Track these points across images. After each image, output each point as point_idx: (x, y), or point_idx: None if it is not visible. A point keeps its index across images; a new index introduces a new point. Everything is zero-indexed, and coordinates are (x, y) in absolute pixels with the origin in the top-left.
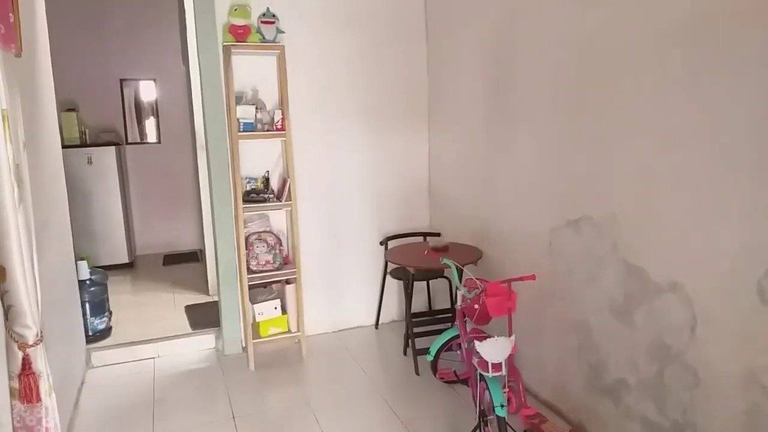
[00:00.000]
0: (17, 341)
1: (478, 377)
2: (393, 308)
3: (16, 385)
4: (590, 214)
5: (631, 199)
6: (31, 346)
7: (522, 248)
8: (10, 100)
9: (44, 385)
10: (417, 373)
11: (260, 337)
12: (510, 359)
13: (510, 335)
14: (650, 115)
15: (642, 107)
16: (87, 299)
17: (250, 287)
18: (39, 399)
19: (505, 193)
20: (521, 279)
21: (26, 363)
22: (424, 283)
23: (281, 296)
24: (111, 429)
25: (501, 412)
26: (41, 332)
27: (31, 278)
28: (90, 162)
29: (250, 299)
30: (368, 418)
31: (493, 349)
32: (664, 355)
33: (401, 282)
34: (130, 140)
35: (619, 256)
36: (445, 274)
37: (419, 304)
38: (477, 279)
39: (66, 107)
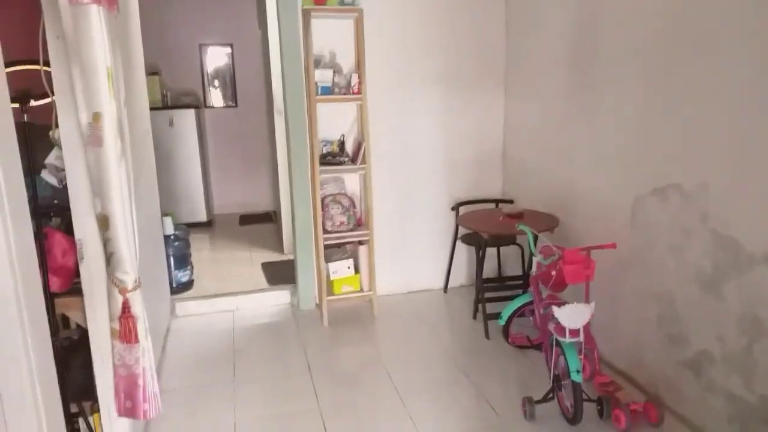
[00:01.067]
0: (118, 286)
1: (554, 343)
2: (462, 273)
3: (116, 326)
4: (679, 182)
5: (725, 166)
6: (130, 291)
7: (601, 217)
8: (113, 59)
9: (141, 328)
10: (487, 337)
11: (334, 295)
12: (587, 327)
13: (588, 303)
14: (748, 80)
15: (740, 72)
16: (171, 253)
17: (325, 247)
18: (137, 340)
19: (584, 160)
20: (601, 247)
21: (126, 306)
22: (494, 249)
23: (354, 256)
24: (195, 373)
25: (576, 378)
26: (139, 279)
27: (131, 228)
28: (171, 124)
29: (325, 258)
30: (438, 377)
31: (572, 315)
32: (756, 329)
33: (471, 248)
34: (207, 104)
35: (708, 226)
36: (517, 241)
37: (489, 270)
38: (554, 246)
39: (149, 71)
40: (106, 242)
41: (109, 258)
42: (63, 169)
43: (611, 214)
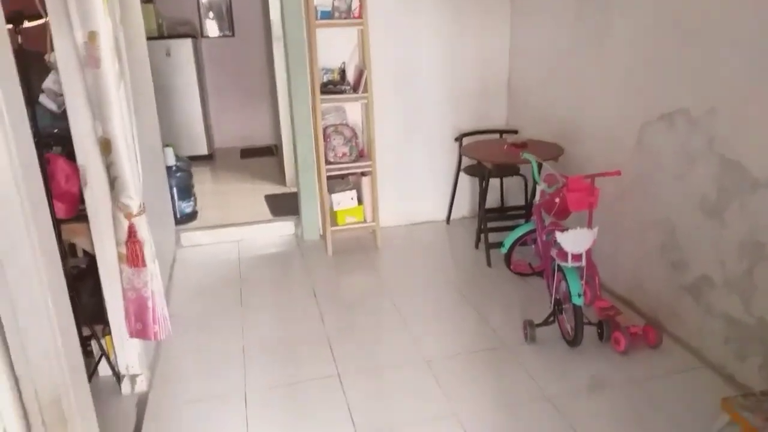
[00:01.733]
0: (123, 211)
1: (555, 268)
2: (464, 205)
3: (123, 251)
4: (687, 108)
5: (735, 91)
6: (136, 215)
7: (606, 145)
8: None
9: (148, 252)
10: (489, 265)
11: (337, 226)
12: (588, 252)
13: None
14: (763, 2)
15: None
16: (174, 184)
17: (328, 178)
18: (144, 264)
19: (592, 87)
20: (605, 174)
21: (132, 231)
22: (497, 181)
23: (357, 188)
24: (203, 300)
25: (578, 301)
26: (143, 204)
27: (133, 151)
28: (168, 54)
29: (328, 189)
30: (441, 303)
31: (574, 240)
32: (757, 253)
33: (474, 179)
34: (204, 33)
35: (715, 151)
36: (520, 172)
37: (492, 201)
38: (558, 174)
39: None
40: (109, 166)
41: (113, 182)
42: (61, 94)
43: (617, 142)
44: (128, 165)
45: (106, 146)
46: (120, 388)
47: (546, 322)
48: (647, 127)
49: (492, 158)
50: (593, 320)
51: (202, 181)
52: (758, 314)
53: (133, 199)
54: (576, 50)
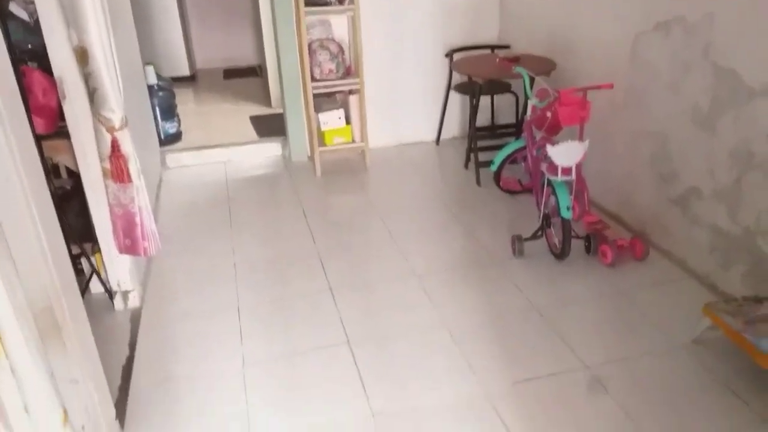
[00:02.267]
0: (104, 125)
1: (545, 183)
2: (454, 125)
3: (107, 166)
4: (684, 14)
5: None
6: (118, 129)
7: (600, 57)
8: None
9: (133, 167)
10: (479, 184)
11: (325, 146)
12: (578, 167)
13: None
14: None
15: None
16: (157, 103)
17: (315, 96)
18: (130, 179)
19: None
20: (598, 87)
21: (115, 145)
22: (488, 99)
23: (345, 107)
24: (191, 220)
25: (566, 214)
26: (126, 117)
27: (111, 62)
28: None
29: (314, 109)
30: (430, 221)
31: (565, 153)
32: (746, 163)
33: (464, 99)
34: None
35: (710, 59)
36: (512, 89)
37: (482, 120)
38: (550, 88)
39: None
40: (87, 77)
41: (93, 94)
42: (32, 1)
43: (610, 55)
44: (107, 76)
45: (82, 56)
46: (113, 304)
47: (534, 237)
48: (642, 37)
49: (483, 74)
50: (581, 235)
51: (185, 102)
52: (744, 223)
53: (114, 111)
54: None
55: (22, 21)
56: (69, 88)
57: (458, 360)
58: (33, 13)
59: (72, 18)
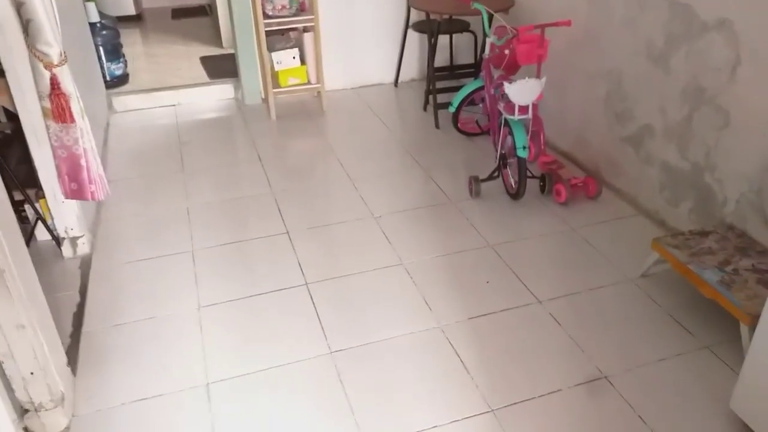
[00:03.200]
0: (42, 60)
1: (502, 122)
2: (413, 67)
3: (47, 105)
4: None
5: None
6: (57, 65)
7: None
8: None
9: (75, 106)
10: (437, 126)
11: (279, 87)
12: (535, 107)
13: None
14: None
15: None
16: (100, 43)
17: (267, 34)
18: (73, 119)
19: None
20: (555, 24)
21: (54, 83)
22: (447, 39)
23: (299, 46)
24: (142, 165)
25: (522, 153)
26: (64, 53)
27: None
28: None
29: (267, 47)
30: (389, 163)
31: (522, 91)
32: (697, 98)
33: (423, 38)
34: None
35: None
36: (470, 28)
37: (441, 60)
38: (509, 26)
39: None
40: (20, 7)
41: (27, 26)
42: None
43: None
44: (41, 5)
45: None
46: (61, 252)
47: (491, 177)
48: None
49: (441, 9)
50: (536, 174)
51: (132, 43)
52: (693, 159)
53: (52, 46)
54: None
55: None
56: (1, 20)
57: (415, 297)
58: None
59: None
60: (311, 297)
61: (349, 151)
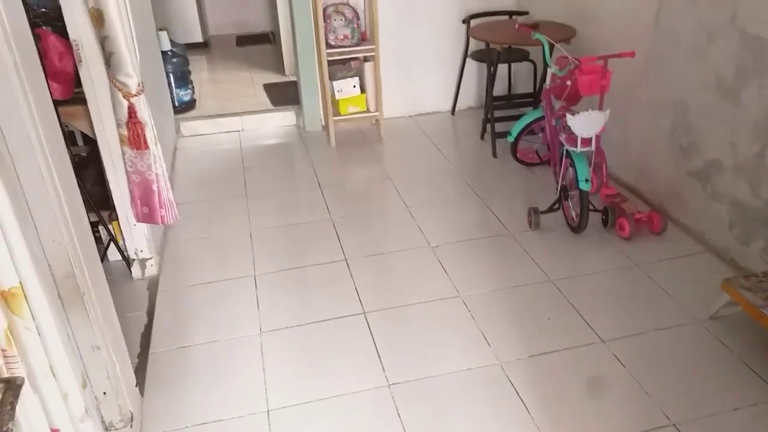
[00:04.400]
0: (121, 90)
1: (563, 154)
2: (470, 95)
3: (124, 132)
4: None
5: None
6: (135, 95)
7: (622, 24)
8: None
9: (150, 134)
10: (495, 155)
11: (340, 115)
12: (598, 138)
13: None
14: None
15: None
16: (171, 70)
17: (329, 63)
18: (147, 146)
19: None
20: (619, 56)
21: (132, 111)
22: (506, 69)
23: (360, 75)
24: (207, 189)
25: (585, 186)
26: (142, 83)
27: (127, 24)
28: None
29: (329, 76)
30: (445, 192)
31: (585, 123)
32: None
33: (481, 67)
34: None
35: (737, 26)
36: (530, 57)
37: (499, 89)
38: (570, 56)
39: None
40: (104, 41)
41: (109, 59)
42: None
43: (632, 22)
44: (123, 39)
45: (98, 18)
46: (130, 273)
47: (551, 209)
48: (665, 2)
49: (501, 40)
50: (598, 208)
51: (199, 69)
52: (766, 197)
53: (131, 77)
54: None
55: None
56: (85, 53)
57: (474, 331)
58: None
59: None
60: (369, 326)
61: (406, 179)
